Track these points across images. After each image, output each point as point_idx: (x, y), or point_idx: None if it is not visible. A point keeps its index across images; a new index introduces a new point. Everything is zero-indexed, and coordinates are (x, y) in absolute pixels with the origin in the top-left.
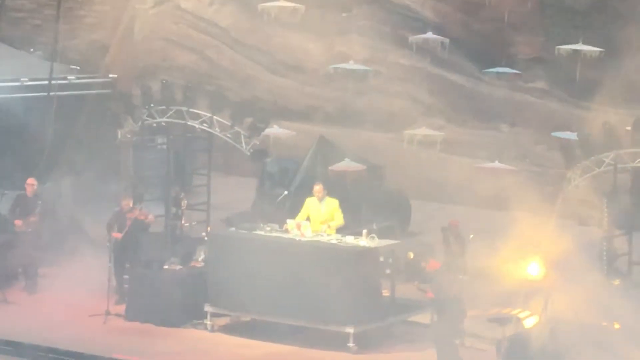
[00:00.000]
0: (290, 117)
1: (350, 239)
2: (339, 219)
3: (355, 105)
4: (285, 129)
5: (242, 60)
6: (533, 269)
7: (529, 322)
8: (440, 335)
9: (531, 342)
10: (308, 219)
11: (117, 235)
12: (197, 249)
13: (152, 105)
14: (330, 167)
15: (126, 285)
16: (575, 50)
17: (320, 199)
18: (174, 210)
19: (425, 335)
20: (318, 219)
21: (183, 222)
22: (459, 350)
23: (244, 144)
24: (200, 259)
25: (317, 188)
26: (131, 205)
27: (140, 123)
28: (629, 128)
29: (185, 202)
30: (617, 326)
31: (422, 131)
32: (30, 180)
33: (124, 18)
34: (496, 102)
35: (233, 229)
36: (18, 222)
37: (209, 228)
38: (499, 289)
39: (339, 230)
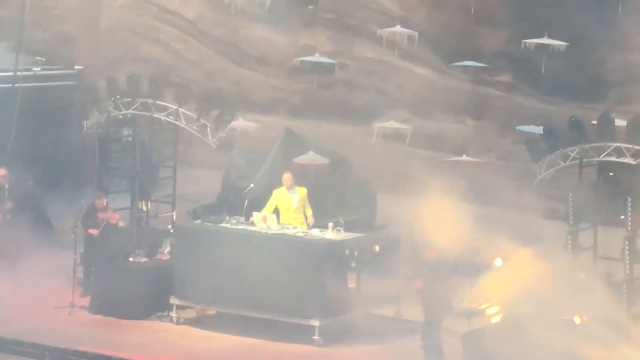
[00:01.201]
0: (256, 109)
1: (316, 232)
2: (308, 209)
3: (321, 97)
4: (251, 122)
5: (208, 52)
6: (497, 262)
7: (494, 315)
8: (427, 332)
9: (495, 335)
10: (276, 210)
11: (94, 231)
12: (162, 241)
13: (118, 97)
14: (294, 160)
15: (92, 278)
16: (541, 44)
17: (289, 188)
18: (141, 205)
19: (390, 328)
20: (290, 208)
21: (149, 214)
22: (442, 347)
23: (210, 137)
24: (166, 252)
25: (286, 176)
26: (105, 204)
27: (106, 115)
28: (594, 122)
29: (150, 193)
30: (579, 320)
31: (391, 124)
32: (1, 171)
33: (91, 9)
34: (462, 96)
35: (199, 221)
36: None
37: (174, 219)
38: (464, 283)
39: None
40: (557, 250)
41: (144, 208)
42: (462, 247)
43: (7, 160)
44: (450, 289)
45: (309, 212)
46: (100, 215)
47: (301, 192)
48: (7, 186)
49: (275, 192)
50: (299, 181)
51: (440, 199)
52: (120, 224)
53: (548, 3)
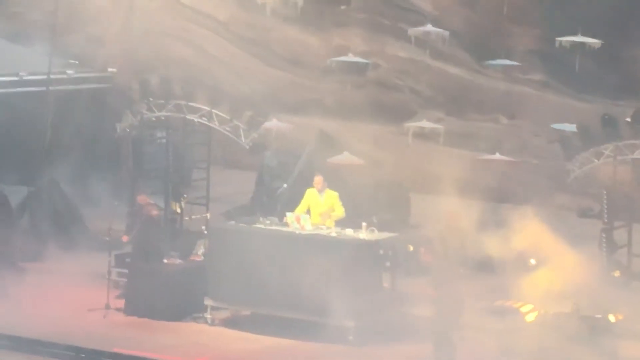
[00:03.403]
0: (288, 110)
1: (349, 232)
2: (339, 211)
3: (353, 98)
4: (283, 122)
5: (240, 53)
6: (532, 261)
7: (529, 314)
8: (437, 330)
9: (531, 334)
10: (308, 210)
11: (125, 238)
12: (196, 242)
13: (151, 99)
14: (329, 160)
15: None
16: (575, 42)
17: (320, 190)
18: (174, 206)
19: (426, 328)
20: (318, 210)
21: (183, 216)
22: (455, 345)
23: (243, 138)
24: (200, 253)
25: (317, 179)
26: (147, 200)
27: (139, 117)
28: (628, 119)
29: (186, 197)
30: (617, 318)
31: (424, 124)
32: None
33: (123, 12)
34: (495, 94)
35: (233, 222)
36: None
37: (208, 221)
38: (498, 281)
39: (339, 223)
40: (592, 248)
41: (178, 210)
42: (496, 246)
43: (42, 163)
44: (459, 289)
45: (336, 214)
46: (143, 210)
47: (331, 195)
48: None
49: (308, 191)
50: (334, 182)
51: (473, 198)
52: (154, 212)
53: (580, 1)
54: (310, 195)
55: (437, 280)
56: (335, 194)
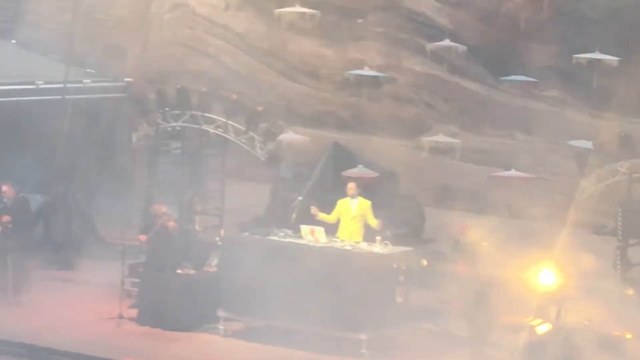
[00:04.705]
0: (304, 122)
1: (364, 246)
2: (372, 221)
3: (369, 111)
4: (299, 135)
5: (257, 65)
6: (546, 277)
7: (542, 330)
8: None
9: (544, 350)
10: (338, 220)
11: (142, 237)
12: (210, 253)
13: (167, 109)
14: (343, 173)
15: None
16: (592, 59)
17: (352, 197)
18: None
19: (438, 342)
20: (349, 215)
21: (197, 226)
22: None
23: (258, 149)
24: (213, 264)
25: (350, 185)
26: (164, 210)
27: (155, 127)
28: None
29: (199, 205)
30: (629, 336)
31: (440, 138)
32: (3, 187)
33: (140, 22)
34: (511, 110)
35: (247, 233)
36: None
37: (222, 232)
38: (512, 297)
39: None
40: (606, 265)
41: (192, 220)
42: (510, 262)
43: (57, 172)
44: (491, 303)
45: (374, 222)
46: (159, 221)
47: (363, 202)
48: (5, 200)
49: (339, 201)
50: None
51: (487, 213)
52: (170, 224)
53: (598, 18)
54: (341, 205)
55: (465, 292)
56: (368, 203)
